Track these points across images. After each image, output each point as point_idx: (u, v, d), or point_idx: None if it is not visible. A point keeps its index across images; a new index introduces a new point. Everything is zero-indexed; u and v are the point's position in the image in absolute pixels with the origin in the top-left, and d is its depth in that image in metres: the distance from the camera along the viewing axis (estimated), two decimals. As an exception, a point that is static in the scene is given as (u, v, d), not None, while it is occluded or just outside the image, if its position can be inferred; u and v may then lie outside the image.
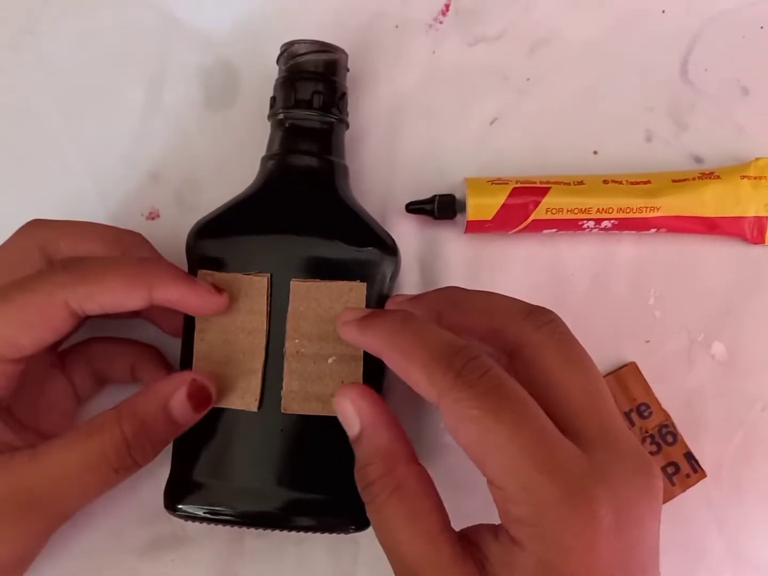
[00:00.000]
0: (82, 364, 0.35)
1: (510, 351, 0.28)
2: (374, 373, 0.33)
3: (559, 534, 0.24)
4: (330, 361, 0.32)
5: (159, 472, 0.33)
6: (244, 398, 0.32)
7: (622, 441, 0.26)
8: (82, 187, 0.39)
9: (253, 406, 0.32)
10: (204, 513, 0.32)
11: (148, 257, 0.33)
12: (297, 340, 0.32)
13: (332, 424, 0.31)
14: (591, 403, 0.26)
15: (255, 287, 0.32)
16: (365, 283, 0.32)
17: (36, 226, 0.33)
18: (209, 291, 0.31)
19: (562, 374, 0.27)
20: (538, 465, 0.24)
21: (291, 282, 0.32)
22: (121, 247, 0.33)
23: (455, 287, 0.31)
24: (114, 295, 0.30)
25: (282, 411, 0.32)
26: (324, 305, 0.32)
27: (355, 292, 0.32)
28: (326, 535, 0.33)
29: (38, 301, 0.29)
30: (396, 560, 0.27)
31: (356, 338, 0.29)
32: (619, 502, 0.24)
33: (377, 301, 0.33)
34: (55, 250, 0.32)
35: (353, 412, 0.29)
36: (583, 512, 0.24)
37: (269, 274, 0.32)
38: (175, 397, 0.30)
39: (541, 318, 0.28)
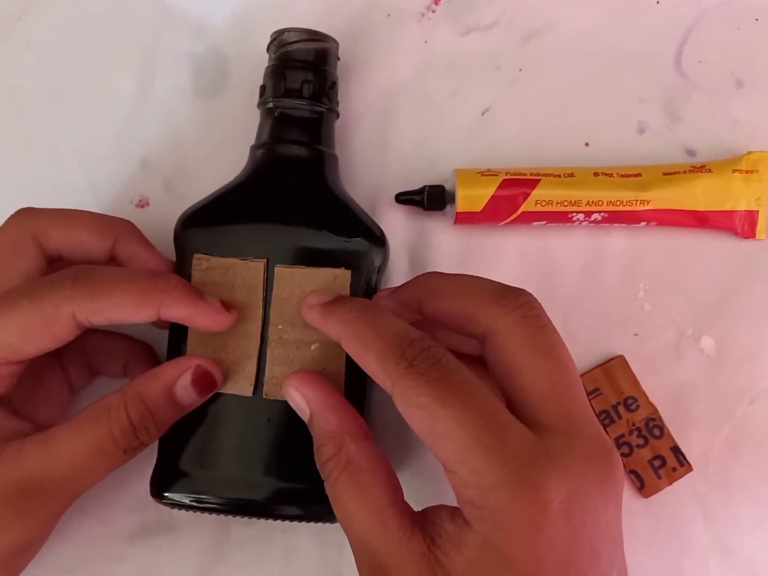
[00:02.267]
0: (78, 356, 0.36)
1: (482, 336, 0.28)
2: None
3: (504, 516, 0.24)
4: (313, 347, 0.32)
5: (146, 460, 0.33)
6: (239, 383, 0.32)
7: (584, 429, 0.26)
8: (72, 175, 0.39)
9: (248, 391, 0.32)
10: (190, 501, 0.32)
11: (158, 272, 0.33)
12: (280, 326, 0.32)
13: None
14: (555, 391, 0.26)
15: (251, 272, 0.32)
16: (349, 270, 0.32)
17: (27, 215, 0.33)
18: (217, 310, 0.31)
19: (528, 361, 0.27)
20: (485, 448, 0.24)
21: (275, 268, 0.32)
22: (112, 236, 0.33)
23: (435, 273, 0.31)
24: (122, 312, 0.30)
25: (264, 396, 0.32)
26: (308, 291, 0.32)
27: (339, 279, 0.32)
28: (313, 524, 0.33)
29: (45, 313, 0.29)
30: (349, 535, 0.27)
31: (318, 323, 0.30)
32: (571, 488, 0.24)
33: (365, 291, 0.33)
34: (47, 239, 0.32)
35: (300, 398, 0.30)
36: (529, 496, 0.24)
37: (266, 260, 0.32)
38: (179, 382, 0.31)
39: (513, 302, 0.27)
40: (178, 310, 0.30)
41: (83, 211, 0.34)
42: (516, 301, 0.27)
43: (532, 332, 0.27)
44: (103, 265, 0.33)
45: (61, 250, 0.33)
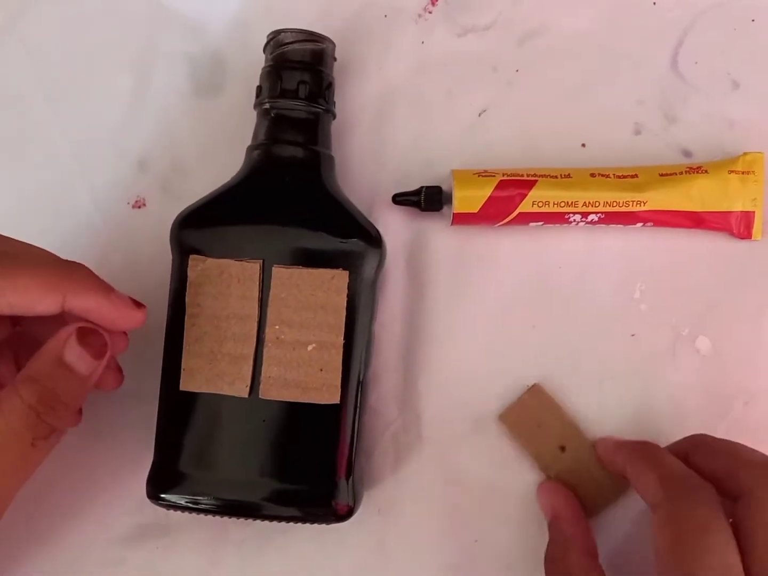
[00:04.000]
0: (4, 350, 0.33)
1: (737, 495, 0.29)
2: (355, 361, 0.33)
3: None
4: (310, 348, 0.32)
5: (143, 461, 0.34)
6: (235, 384, 0.32)
7: None
8: (69, 176, 0.39)
9: (244, 393, 0.32)
10: (187, 502, 0.32)
11: (70, 261, 0.31)
12: (277, 326, 0.32)
13: (313, 413, 0.32)
14: None
15: (247, 273, 0.32)
16: (347, 271, 0.32)
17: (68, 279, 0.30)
18: (127, 305, 0.30)
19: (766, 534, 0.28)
20: None
21: (273, 268, 0.32)
22: (62, 292, 0.29)
23: (705, 435, 0.33)
24: (25, 296, 0.28)
25: (260, 396, 0.32)
26: (305, 292, 0.32)
27: (336, 279, 0.32)
28: (310, 525, 0.33)
29: None
30: None
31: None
32: None
33: (361, 291, 0.33)
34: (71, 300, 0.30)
35: (544, 504, 0.35)
36: None
37: (261, 261, 0.32)
38: (67, 349, 0.29)
39: (681, 492, 0.29)
40: (86, 300, 0.29)
41: (31, 265, 0.29)
42: (683, 492, 0.29)
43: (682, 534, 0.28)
44: (53, 316, 0.30)
45: (6, 311, 0.29)
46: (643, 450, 0.33)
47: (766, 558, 0.27)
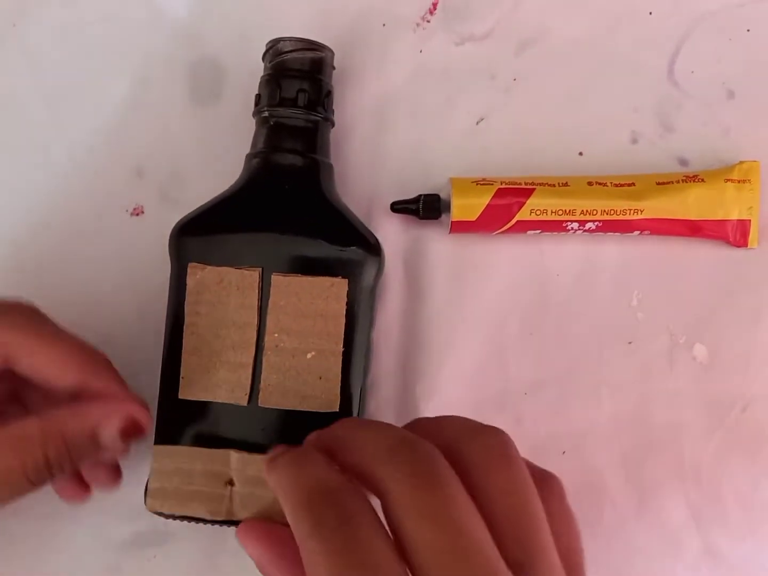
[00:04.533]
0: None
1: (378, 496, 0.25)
2: (354, 369, 0.33)
3: None
4: (309, 356, 0.32)
5: (141, 469, 0.34)
6: (234, 392, 0.32)
7: None
8: (66, 182, 0.39)
9: (243, 401, 0.32)
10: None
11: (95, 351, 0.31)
12: (276, 335, 0.32)
13: (312, 420, 0.32)
14: (440, 563, 0.22)
15: (247, 281, 0.32)
16: (346, 279, 0.32)
17: (5, 328, 0.30)
18: (138, 403, 0.30)
19: (411, 527, 0.23)
20: None
21: (272, 276, 0.32)
22: (82, 376, 0.30)
23: (347, 422, 0.28)
24: (51, 367, 0.29)
25: (259, 404, 0.32)
26: (304, 300, 0.32)
27: (335, 287, 0.32)
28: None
29: None
30: None
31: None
32: None
33: (360, 299, 0.33)
34: (14, 362, 0.30)
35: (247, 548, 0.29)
36: None
37: (260, 269, 0.32)
38: (106, 428, 0.29)
39: (405, 458, 0.24)
40: (103, 387, 0.30)
41: (60, 340, 0.31)
42: (405, 457, 0.24)
43: (419, 495, 0.23)
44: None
45: (22, 374, 0.30)
46: (282, 466, 0.26)
47: (421, 561, 0.22)
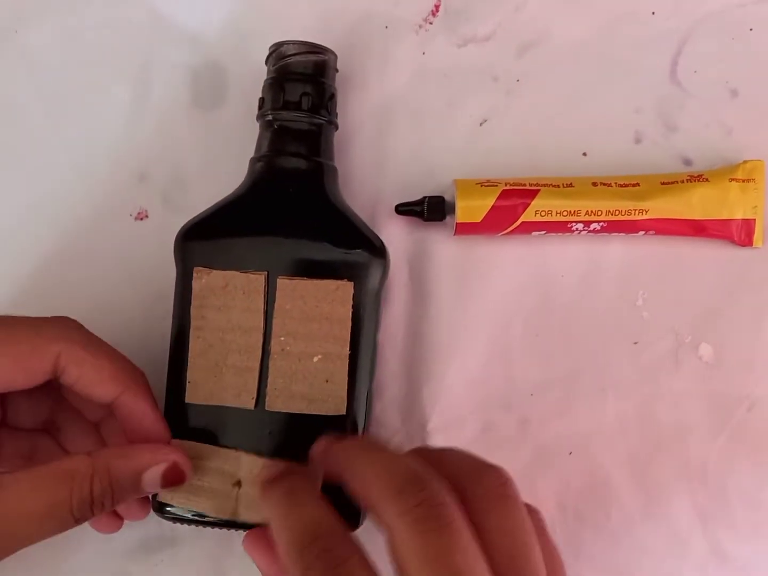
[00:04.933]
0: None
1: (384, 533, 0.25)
2: (360, 372, 0.33)
3: None
4: (316, 359, 0.32)
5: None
6: (241, 396, 0.32)
7: None
8: (69, 187, 0.39)
9: (250, 404, 0.32)
10: (193, 515, 0.32)
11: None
12: (282, 338, 0.32)
13: (319, 424, 0.32)
14: None
15: (252, 285, 0.32)
16: (352, 282, 0.32)
17: (65, 337, 0.31)
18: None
19: (416, 571, 0.23)
20: None
21: (278, 279, 0.32)
22: (122, 388, 0.32)
23: (362, 444, 0.28)
24: (97, 385, 0.31)
25: (266, 408, 0.32)
26: (310, 303, 0.32)
27: (341, 290, 0.32)
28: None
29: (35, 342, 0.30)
30: None
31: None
32: None
33: (365, 302, 0.33)
34: (63, 371, 0.31)
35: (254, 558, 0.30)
36: None
37: (266, 272, 0.32)
38: (150, 471, 0.30)
39: (411, 499, 0.24)
40: (138, 405, 0.32)
41: (106, 354, 0.32)
42: (415, 498, 0.24)
43: (424, 537, 0.23)
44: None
45: (68, 384, 0.31)
46: (275, 503, 0.27)
47: None
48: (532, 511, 0.27)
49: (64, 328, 0.32)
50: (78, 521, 0.29)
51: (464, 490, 0.25)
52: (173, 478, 0.30)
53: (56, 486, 0.28)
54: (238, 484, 0.32)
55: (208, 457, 0.32)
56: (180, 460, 0.31)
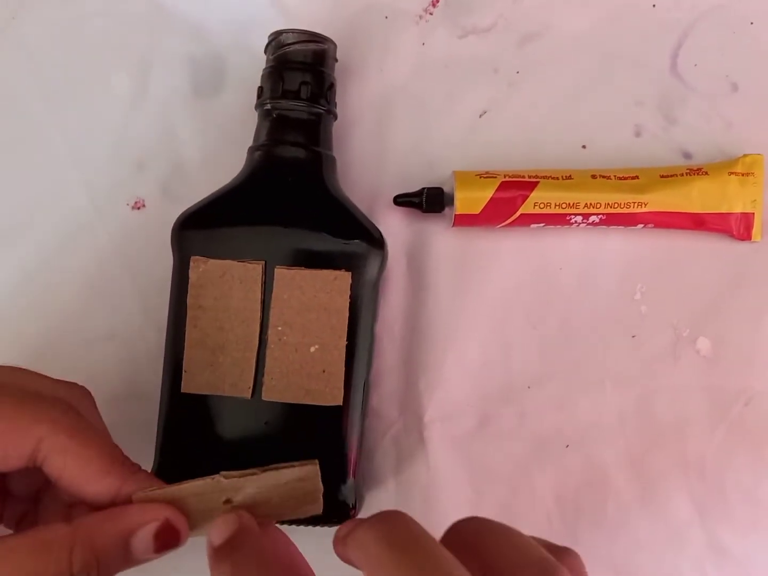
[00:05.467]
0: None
1: None
2: (358, 363, 0.33)
3: None
4: (312, 349, 0.32)
5: (143, 463, 0.33)
6: (237, 386, 0.32)
7: None
8: (67, 176, 0.38)
9: (246, 394, 0.32)
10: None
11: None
12: (280, 328, 0.32)
13: (316, 414, 0.32)
14: None
15: (249, 275, 0.32)
16: (349, 272, 0.32)
17: (52, 424, 0.26)
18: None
19: None
20: None
21: (276, 269, 0.32)
22: (117, 483, 0.27)
23: (493, 525, 0.24)
24: (81, 475, 0.26)
25: (262, 398, 0.32)
26: (308, 293, 0.32)
27: (339, 281, 0.32)
28: (312, 527, 0.33)
29: (21, 424, 0.26)
30: None
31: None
32: None
33: (363, 292, 0.33)
34: (45, 461, 0.27)
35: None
36: None
37: (263, 262, 0.32)
38: (140, 533, 0.26)
39: None
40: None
41: (95, 443, 0.27)
42: None
43: None
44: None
45: (51, 475, 0.27)
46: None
47: None
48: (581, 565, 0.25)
49: (53, 408, 0.27)
50: None
51: None
52: (167, 539, 0.26)
53: (28, 558, 0.25)
54: (228, 501, 0.28)
55: (188, 496, 0.27)
56: (172, 517, 0.27)
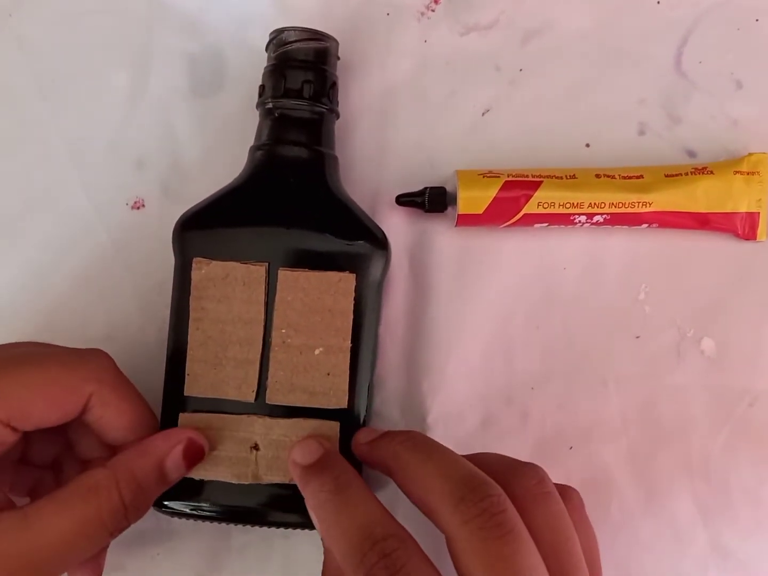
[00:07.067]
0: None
1: (444, 536, 0.26)
2: (362, 365, 0.32)
3: None
4: (317, 352, 0.32)
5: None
6: (241, 389, 0.32)
7: None
8: (65, 176, 0.38)
9: (250, 397, 0.32)
10: (191, 510, 0.32)
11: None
12: (284, 330, 0.32)
13: (319, 417, 0.31)
14: None
15: (253, 276, 0.32)
16: (354, 274, 0.32)
17: (96, 379, 0.30)
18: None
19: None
20: None
21: (279, 270, 0.32)
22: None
23: (409, 443, 0.28)
24: (120, 421, 0.31)
25: (266, 401, 0.32)
26: (312, 295, 0.32)
27: (343, 282, 0.32)
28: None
29: (71, 383, 0.30)
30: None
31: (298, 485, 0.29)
32: None
33: (367, 294, 0.32)
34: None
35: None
36: None
37: (267, 263, 0.32)
38: (171, 456, 0.30)
39: (472, 508, 0.25)
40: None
41: (132, 399, 0.32)
42: (476, 507, 0.25)
43: (488, 545, 0.24)
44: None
45: (88, 418, 0.31)
46: (325, 501, 0.27)
47: None
48: (571, 491, 0.29)
49: (96, 367, 0.31)
50: (114, 534, 0.28)
51: (505, 490, 0.26)
52: (193, 455, 0.30)
53: (81, 505, 0.28)
54: (256, 447, 0.31)
55: (221, 427, 0.32)
56: (193, 435, 0.31)
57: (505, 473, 0.27)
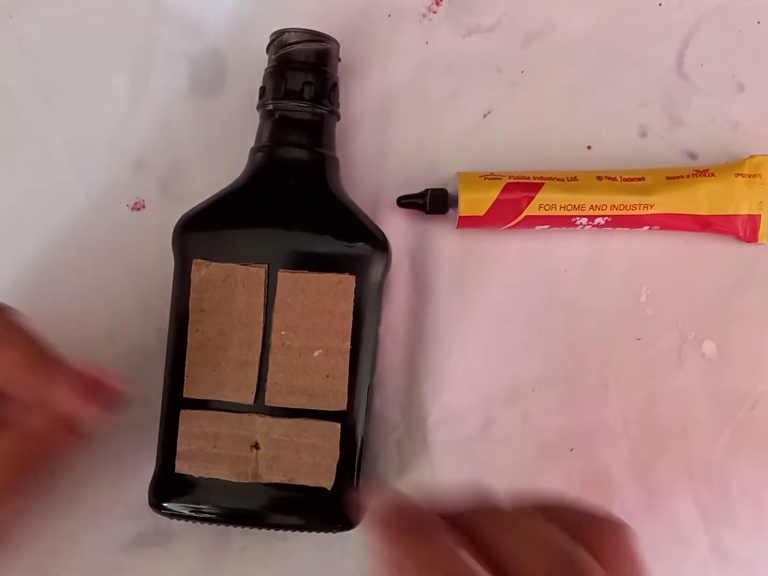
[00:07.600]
0: None
1: None
2: (362, 367, 0.32)
3: None
4: (316, 354, 0.32)
5: (144, 468, 0.33)
6: (240, 391, 0.32)
7: None
8: (65, 176, 0.38)
9: (249, 399, 0.32)
10: (190, 512, 0.32)
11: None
12: (283, 332, 0.32)
13: (319, 419, 0.31)
14: None
15: (253, 278, 0.32)
16: (354, 276, 0.32)
17: None
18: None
19: None
20: None
21: (279, 272, 0.32)
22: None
23: (489, 504, 0.24)
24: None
25: (266, 403, 0.32)
26: (312, 297, 0.32)
27: (343, 284, 0.32)
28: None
29: None
30: None
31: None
32: None
33: (367, 296, 0.32)
34: None
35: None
36: None
37: (267, 265, 0.32)
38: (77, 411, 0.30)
39: None
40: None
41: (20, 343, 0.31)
42: None
43: None
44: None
45: None
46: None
47: None
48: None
49: None
50: (18, 493, 0.29)
51: (586, 547, 0.23)
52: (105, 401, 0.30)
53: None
54: (256, 446, 0.32)
55: (223, 425, 0.32)
56: (98, 374, 0.30)
57: (589, 529, 0.24)
